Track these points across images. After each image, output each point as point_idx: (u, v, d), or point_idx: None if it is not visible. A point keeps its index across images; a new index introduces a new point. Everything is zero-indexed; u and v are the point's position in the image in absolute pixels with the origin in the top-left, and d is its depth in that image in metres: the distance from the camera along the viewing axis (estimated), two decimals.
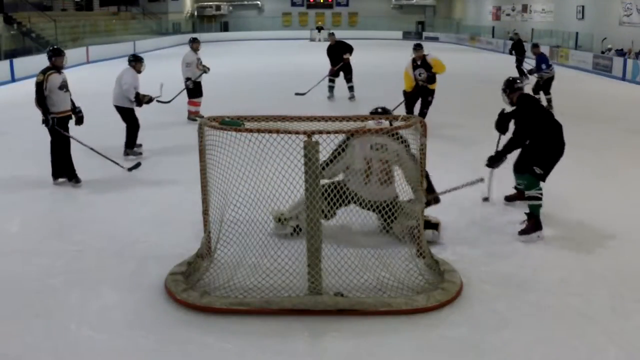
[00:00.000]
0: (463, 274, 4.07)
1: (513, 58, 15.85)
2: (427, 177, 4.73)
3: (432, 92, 9.15)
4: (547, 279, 4.17)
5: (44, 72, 6.17)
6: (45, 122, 6.15)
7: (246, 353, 3.31)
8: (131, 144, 7.56)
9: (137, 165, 6.83)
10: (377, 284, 3.93)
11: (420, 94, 9.12)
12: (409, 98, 9.17)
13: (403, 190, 4.56)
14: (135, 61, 7.65)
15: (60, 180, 6.40)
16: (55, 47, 6.61)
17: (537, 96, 11.58)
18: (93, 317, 3.65)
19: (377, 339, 3.41)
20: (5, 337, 3.44)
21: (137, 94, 7.49)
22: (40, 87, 6.09)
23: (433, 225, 4.77)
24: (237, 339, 3.42)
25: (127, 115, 7.51)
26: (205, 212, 4.24)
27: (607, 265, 4.39)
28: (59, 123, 6.22)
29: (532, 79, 11.40)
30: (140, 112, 7.62)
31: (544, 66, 11.06)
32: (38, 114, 6.22)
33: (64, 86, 6.24)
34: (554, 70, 11.26)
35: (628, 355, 3.29)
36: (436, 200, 4.95)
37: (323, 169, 4.88)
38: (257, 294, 3.81)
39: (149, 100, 7.71)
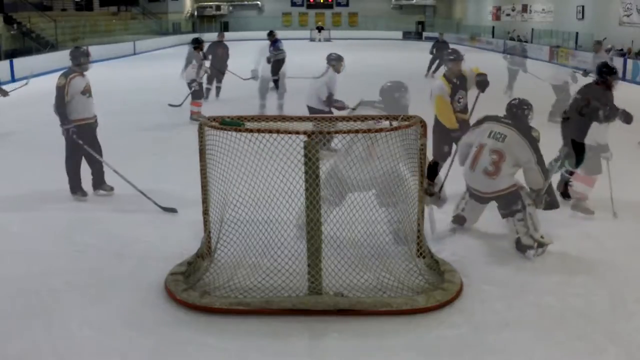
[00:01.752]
0: (463, 274, 4.07)
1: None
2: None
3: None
4: (547, 279, 4.17)
5: (66, 74, 5.59)
6: (64, 132, 5.62)
7: (246, 353, 3.30)
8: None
9: (172, 210, 5.52)
10: (377, 284, 3.93)
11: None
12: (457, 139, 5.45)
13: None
14: (336, 60, 7.30)
15: (81, 193, 5.89)
16: (81, 47, 5.99)
17: (274, 77, 12.53)
18: (93, 317, 3.65)
19: (377, 339, 3.41)
20: (5, 337, 3.44)
21: (330, 95, 6.98)
22: (61, 92, 5.51)
23: (538, 244, 4.48)
24: (237, 339, 3.42)
25: None
26: (205, 212, 4.24)
27: (608, 265, 4.39)
28: (79, 132, 5.65)
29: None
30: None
31: (271, 48, 12.04)
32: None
33: (87, 90, 5.71)
34: (285, 54, 12.23)
35: (628, 356, 3.29)
36: None
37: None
38: (257, 294, 3.81)
39: (342, 106, 7.09)
